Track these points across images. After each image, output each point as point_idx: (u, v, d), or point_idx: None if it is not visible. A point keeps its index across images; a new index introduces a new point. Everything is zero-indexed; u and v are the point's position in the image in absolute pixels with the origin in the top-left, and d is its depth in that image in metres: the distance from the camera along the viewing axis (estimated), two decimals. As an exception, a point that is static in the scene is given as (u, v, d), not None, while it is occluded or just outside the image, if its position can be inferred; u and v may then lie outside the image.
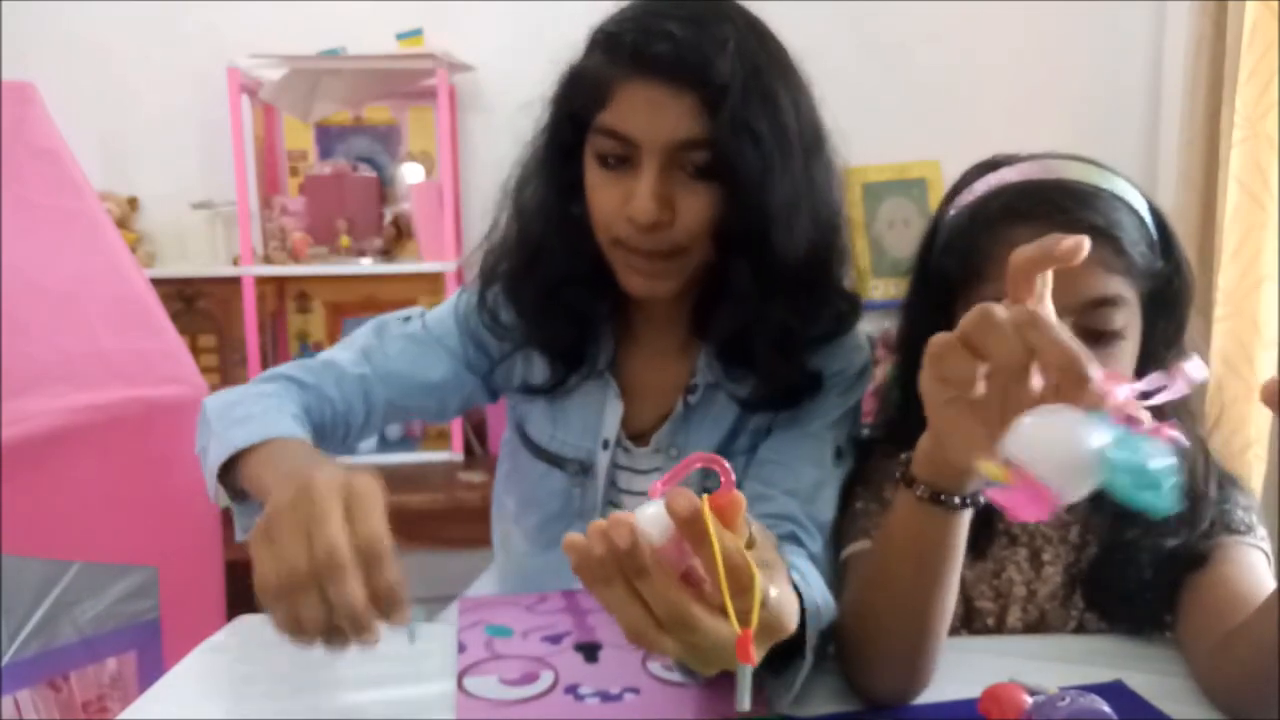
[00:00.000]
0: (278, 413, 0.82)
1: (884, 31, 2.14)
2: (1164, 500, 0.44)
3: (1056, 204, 0.77)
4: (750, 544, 0.49)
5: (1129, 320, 0.77)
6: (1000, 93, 2.19)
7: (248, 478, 0.75)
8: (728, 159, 0.81)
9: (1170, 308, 0.81)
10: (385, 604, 0.55)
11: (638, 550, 0.45)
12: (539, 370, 0.96)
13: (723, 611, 0.45)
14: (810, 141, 0.87)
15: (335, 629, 0.55)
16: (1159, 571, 0.80)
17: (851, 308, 0.93)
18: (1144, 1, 2.16)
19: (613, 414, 0.95)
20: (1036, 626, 0.86)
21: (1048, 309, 0.53)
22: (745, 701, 0.45)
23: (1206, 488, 0.81)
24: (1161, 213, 0.83)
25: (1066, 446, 0.45)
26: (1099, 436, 0.44)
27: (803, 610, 0.66)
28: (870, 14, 2.12)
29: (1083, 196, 0.78)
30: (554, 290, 0.91)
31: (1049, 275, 0.54)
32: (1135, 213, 0.80)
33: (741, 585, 0.45)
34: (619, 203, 0.84)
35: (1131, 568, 0.81)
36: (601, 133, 0.84)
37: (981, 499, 0.62)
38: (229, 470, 0.77)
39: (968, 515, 0.64)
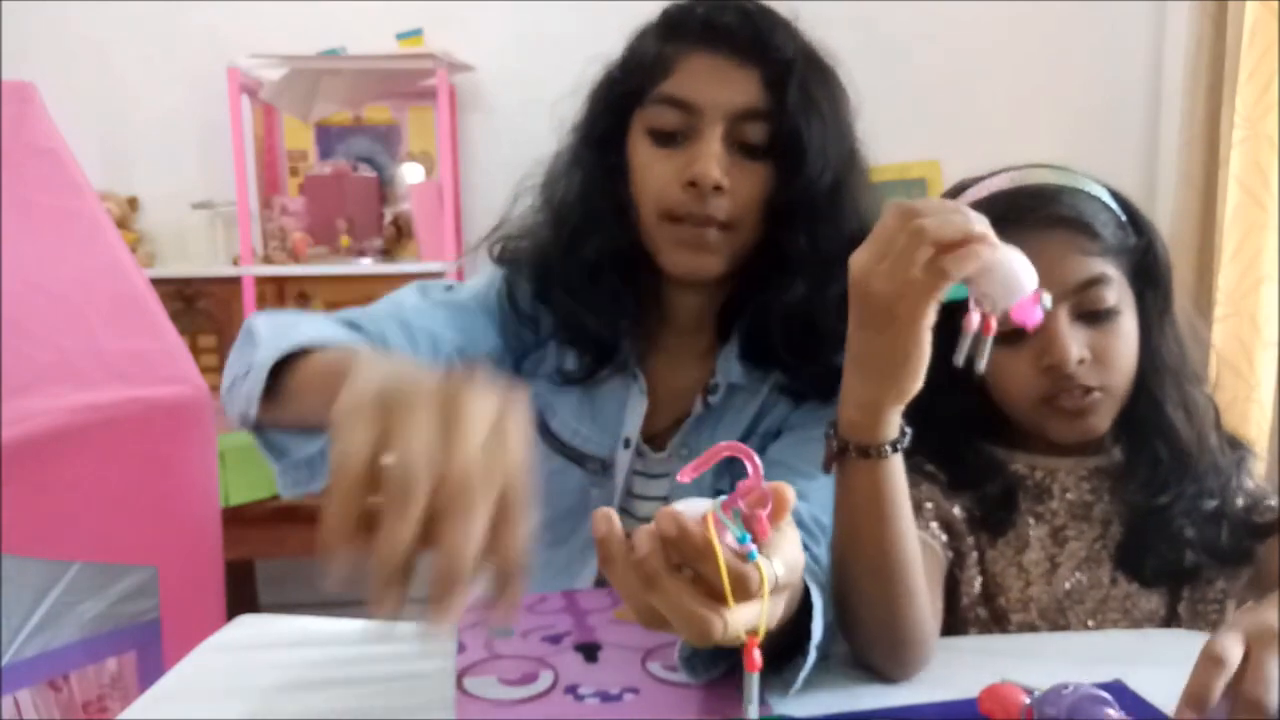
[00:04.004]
0: (345, 332, 0.76)
1: (884, 31, 2.14)
2: None
3: (1024, 206, 0.83)
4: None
5: (1120, 296, 0.83)
6: (1000, 93, 2.19)
7: (302, 385, 0.66)
8: (793, 129, 0.84)
9: (1153, 278, 0.87)
10: (504, 564, 0.41)
11: (686, 536, 0.44)
12: (572, 359, 0.96)
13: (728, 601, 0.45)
14: (855, 133, 0.91)
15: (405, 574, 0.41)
16: (1210, 526, 0.85)
17: None
18: (1144, 1, 2.16)
19: (635, 412, 0.95)
20: (1062, 600, 0.88)
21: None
22: (752, 711, 0.45)
23: (1223, 444, 0.87)
24: (1125, 196, 0.89)
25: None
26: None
27: (810, 606, 0.66)
28: (870, 14, 2.12)
29: (1047, 195, 0.84)
30: (592, 273, 0.91)
31: None
32: (1098, 199, 0.86)
33: (747, 592, 0.45)
34: (674, 173, 0.85)
35: (1168, 530, 0.85)
36: (661, 102, 0.86)
37: (904, 443, 0.68)
38: (271, 393, 0.68)
39: (899, 460, 0.68)
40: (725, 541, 0.45)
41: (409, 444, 0.42)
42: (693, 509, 0.46)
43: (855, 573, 0.71)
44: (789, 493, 0.48)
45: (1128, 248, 0.85)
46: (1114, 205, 0.87)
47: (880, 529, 0.69)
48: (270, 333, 0.73)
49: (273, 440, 0.75)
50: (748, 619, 0.45)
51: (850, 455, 0.68)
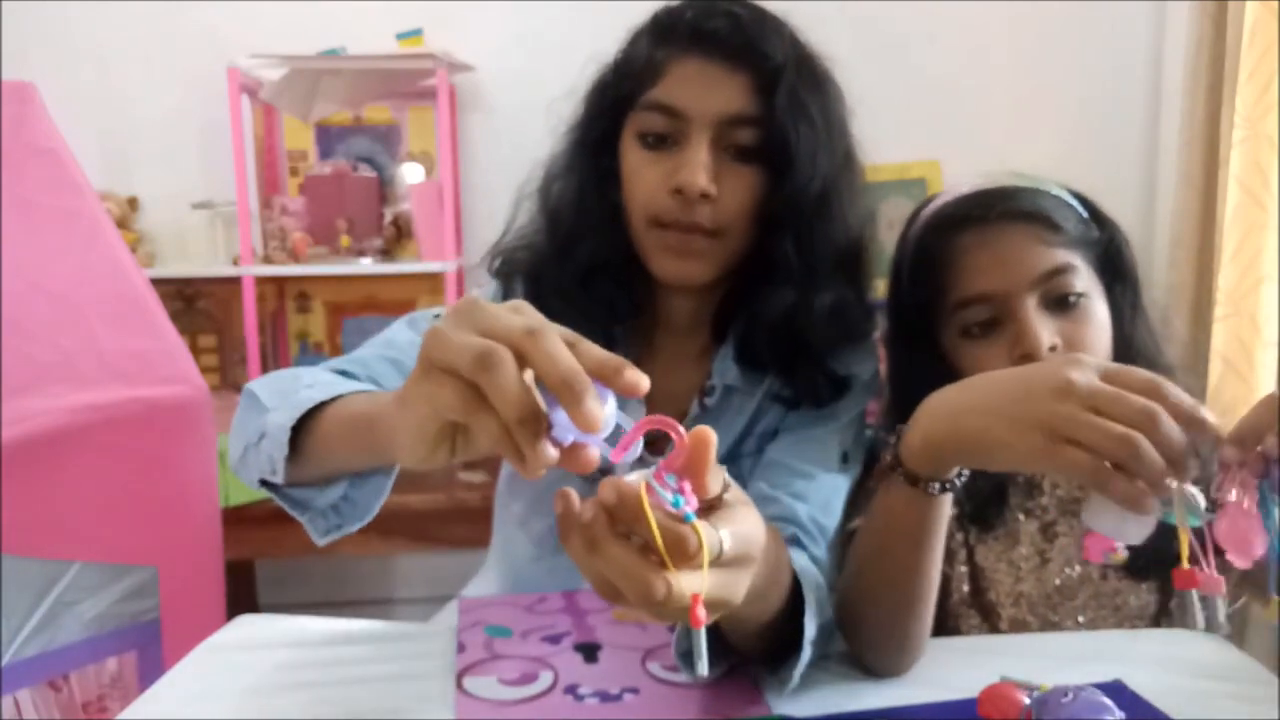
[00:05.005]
0: (351, 383, 0.75)
1: (884, 31, 2.14)
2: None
3: (988, 203, 0.87)
4: (725, 487, 0.50)
5: (1088, 286, 0.85)
6: (1000, 93, 2.19)
7: (326, 438, 0.68)
8: (782, 135, 0.83)
9: (1120, 271, 0.90)
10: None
11: (624, 501, 0.44)
12: None
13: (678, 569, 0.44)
14: (848, 137, 0.91)
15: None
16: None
17: (867, 314, 0.94)
18: (1144, 1, 2.16)
19: (633, 419, 0.94)
20: (1052, 595, 0.88)
21: None
22: (701, 668, 0.45)
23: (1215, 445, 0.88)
24: (1084, 195, 0.92)
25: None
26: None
27: (801, 604, 0.66)
28: (870, 14, 2.12)
29: (1007, 194, 0.88)
30: (584, 280, 0.90)
31: None
32: (1058, 197, 0.89)
33: (686, 554, 0.44)
34: (662, 179, 0.85)
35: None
36: (650, 108, 0.85)
37: (960, 480, 0.67)
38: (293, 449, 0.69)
39: (948, 499, 0.68)
40: (660, 506, 0.45)
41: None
42: (639, 478, 0.47)
43: (874, 584, 0.71)
44: (708, 434, 0.47)
45: (1090, 240, 0.87)
46: (1074, 202, 0.90)
47: (912, 554, 0.69)
48: (273, 396, 0.74)
49: (294, 496, 0.75)
50: (695, 584, 0.45)
51: (898, 476, 0.67)
